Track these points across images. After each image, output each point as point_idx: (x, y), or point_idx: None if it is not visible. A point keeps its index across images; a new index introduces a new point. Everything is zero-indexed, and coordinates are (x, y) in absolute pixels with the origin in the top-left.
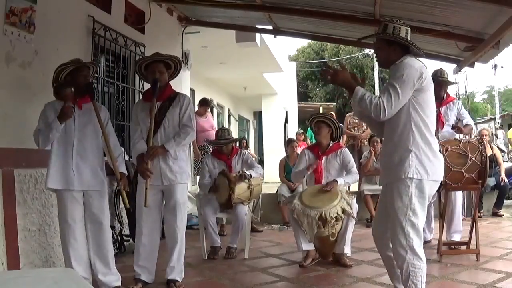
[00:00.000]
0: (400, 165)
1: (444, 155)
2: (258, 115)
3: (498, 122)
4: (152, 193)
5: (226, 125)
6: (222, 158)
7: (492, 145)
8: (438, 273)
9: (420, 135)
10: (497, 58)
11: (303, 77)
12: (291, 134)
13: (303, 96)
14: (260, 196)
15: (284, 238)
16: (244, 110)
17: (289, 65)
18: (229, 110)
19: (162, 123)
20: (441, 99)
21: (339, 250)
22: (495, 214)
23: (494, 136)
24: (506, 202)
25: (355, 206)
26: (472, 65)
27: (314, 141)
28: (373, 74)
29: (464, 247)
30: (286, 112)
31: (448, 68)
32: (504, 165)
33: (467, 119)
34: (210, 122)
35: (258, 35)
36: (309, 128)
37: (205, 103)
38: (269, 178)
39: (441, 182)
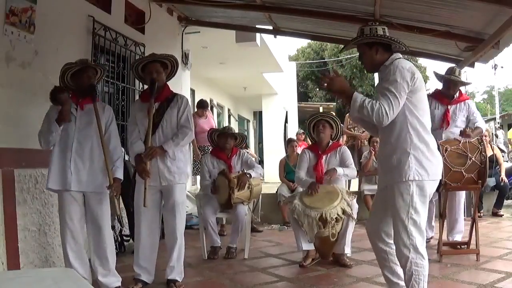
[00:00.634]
0: (400, 167)
1: (444, 155)
2: (258, 115)
3: (498, 122)
4: (150, 193)
5: (226, 125)
6: (222, 158)
7: (492, 145)
8: (438, 273)
9: (418, 136)
10: (497, 58)
11: (303, 77)
12: (291, 134)
13: (303, 96)
14: (260, 196)
15: (284, 238)
16: (244, 110)
17: (289, 65)
18: (229, 110)
19: (160, 124)
20: (451, 97)
21: (339, 250)
22: (495, 214)
23: (494, 136)
24: (506, 202)
25: (355, 206)
26: (472, 65)
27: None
28: (373, 74)
29: (464, 247)
30: (286, 112)
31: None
32: (504, 165)
33: (479, 122)
34: (210, 122)
35: (258, 35)
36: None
37: (202, 106)
38: (269, 178)
39: (440, 182)
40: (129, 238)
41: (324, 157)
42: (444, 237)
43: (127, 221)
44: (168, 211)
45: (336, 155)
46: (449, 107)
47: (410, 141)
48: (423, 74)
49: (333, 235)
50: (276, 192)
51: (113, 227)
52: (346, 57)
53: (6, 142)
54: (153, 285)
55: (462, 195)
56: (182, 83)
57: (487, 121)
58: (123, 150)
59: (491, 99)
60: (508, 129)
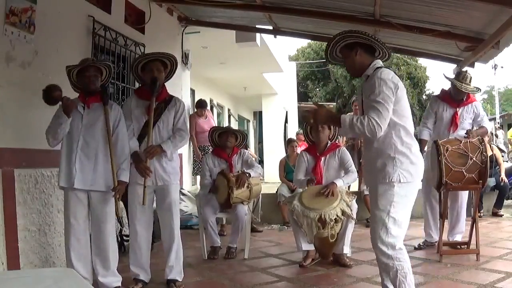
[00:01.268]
0: (383, 170)
1: (444, 155)
2: (258, 115)
3: (498, 122)
4: (147, 192)
5: (226, 125)
6: (223, 157)
7: (492, 145)
8: (438, 273)
9: (401, 141)
10: (497, 58)
11: (303, 77)
12: (291, 134)
13: (303, 96)
14: (260, 196)
15: (284, 238)
16: (244, 110)
17: (289, 65)
18: (229, 110)
19: (157, 124)
20: (460, 100)
21: (339, 250)
22: (495, 214)
23: (494, 136)
24: (506, 202)
25: (354, 207)
26: (472, 65)
27: None
28: None
29: (464, 247)
30: (286, 112)
31: (448, 68)
32: (504, 165)
33: (485, 122)
34: (211, 122)
35: (258, 35)
36: None
37: (201, 105)
38: (269, 178)
39: (441, 182)
40: (129, 238)
41: (322, 158)
42: (444, 237)
43: (127, 221)
44: (165, 211)
45: (335, 156)
46: (458, 109)
47: (394, 147)
48: (423, 74)
49: (332, 236)
50: (276, 192)
51: None
52: None
53: (6, 142)
54: (153, 285)
55: (464, 195)
56: (182, 83)
57: None
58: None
59: (491, 99)
60: (508, 129)
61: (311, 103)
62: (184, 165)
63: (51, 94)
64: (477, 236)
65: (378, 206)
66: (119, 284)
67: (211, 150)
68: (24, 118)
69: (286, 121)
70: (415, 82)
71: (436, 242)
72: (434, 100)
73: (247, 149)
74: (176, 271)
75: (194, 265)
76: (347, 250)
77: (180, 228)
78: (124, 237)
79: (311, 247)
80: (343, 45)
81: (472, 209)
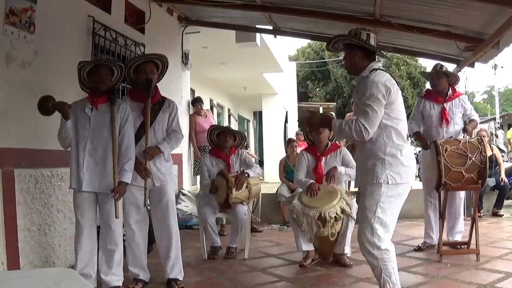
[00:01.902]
0: (373, 171)
1: (444, 155)
2: (258, 115)
3: (498, 122)
4: (140, 193)
5: (226, 125)
6: (221, 156)
7: (492, 145)
8: (438, 273)
9: (392, 143)
10: (497, 58)
11: (303, 77)
12: (291, 134)
13: (303, 96)
14: (260, 196)
15: (284, 238)
16: (244, 110)
17: (289, 65)
18: (229, 110)
19: (152, 126)
20: (445, 95)
21: (339, 250)
22: (495, 214)
23: (494, 136)
24: (506, 202)
25: (354, 206)
26: (472, 65)
27: None
28: None
29: (464, 247)
30: (286, 112)
31: (448, 68)
32: (504, 165)
33: (473, 115)
34: (211, 121)
35: (258, 35)
36: None
37: (195, 100)
38: (269, 178)
39: (440, 182)
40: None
41: (323, 159)
42: (444, 237)
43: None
44: (162, 210)
45: (337, 157)
46: (445, 104)
47: (384, 148)
48: (423, 74)
49: (333, 234)
50: (276, 192)
51: None
52: None
53: (6, 142)
54: (154, 285)
55: (461, 195)
56: (182, 83)
57: (487, 121)
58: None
59: (491, 99)
60: (508, 129)
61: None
62: (184, 165)
63: (45, 106)
64: (477, 236)
65: (365, 206)
66: (120, 283)
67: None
68: (24, 118)
69: (286, 121)
70: (415, 82)
71: (435, 244)
72: (419, 101)
73: (247, 149)
74: (177, 270)
75: (194, 265)
76: (347, 250)
77: (180, 228)
78: (124, 237)
79: (311, 248)
80: (344, 43)
81: (472, 209)
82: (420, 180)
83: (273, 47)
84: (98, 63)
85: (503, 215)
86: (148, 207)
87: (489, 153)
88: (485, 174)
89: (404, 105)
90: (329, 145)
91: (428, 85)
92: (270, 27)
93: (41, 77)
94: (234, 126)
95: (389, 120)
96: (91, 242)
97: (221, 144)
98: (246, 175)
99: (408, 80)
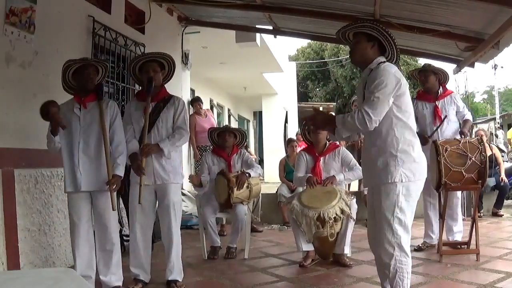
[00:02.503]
0: (386, 170)
1: (443, 155)
2: (258, 115)
3: (498, 122)
4: (146, 193)
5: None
6: (223, 155)
7: (491, 145)
8: (438, 273)
9: (404, 139)
10: (497, 58)
11: (303, 77)
12: (291, 134)
13: (303, 96)
14: (260, 196)
15: (284, 238)
16: (244, 110)
17: (289, 65)
18: (229, 110)
19: (156, 124)
20: (436, 93)
21: (339, 251)
22: (495, 214)
23: (494, 136)
24: (506, 202)
25: (354, 206)
26: (472, 65)
27: None
28: None
29: (464, 247)
30: (286, 112)
31: (448, 68)
32: (504, 165)
33: (466, 114)
34: (211, 121)
35: (258, 35)
36: None
37: (194, 100)
38: (269, 178)
39: (440, 182)
40: (129, 238)
41: (321, 159)
42: (444, 237)
43: (127, 221)
44: (164, 211)
45: (335, 157)
46: (436, 103)
47: (396, 144)
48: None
49: (332, 235)
50: (276, 192)
51: None
52: (346, 57)
53: (6, 142)
54: (154, 285)
55: (459, 194)
56: (182, 83)
57: (487, 121)
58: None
59: (491, 99)
60: (508, 129)
61: (311, 104)
62: (184, 165)
63: (48, 109)
64: (477, 236)
65: (382, 207)
66: (120, 283)
67: (211, 149)
68: (24, 118)
69: (286, 121)
70: (415, 82)
71: (435, 244)
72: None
73: (247, 149)
74: (176, 272)
75: (194, 265)
76: (347, 250)
77: (180, 228)
78: (124, 237)
79: (311, 248)
80: (363, 31)
81: (472, 209)
82: None
83: (273, 47)
84: (86, 63)
85: (503, 215)
86: (153, 206)
87: (488, 152)
88: (485, 174)
89: None
90: (327, 145)
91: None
92: (270, 27)
93: (41, 77)
94: (234, 126)
95: (400, 112)
96: (88, 243)
97: (222, 143)
98: (247, 175)
99: (408, 80)
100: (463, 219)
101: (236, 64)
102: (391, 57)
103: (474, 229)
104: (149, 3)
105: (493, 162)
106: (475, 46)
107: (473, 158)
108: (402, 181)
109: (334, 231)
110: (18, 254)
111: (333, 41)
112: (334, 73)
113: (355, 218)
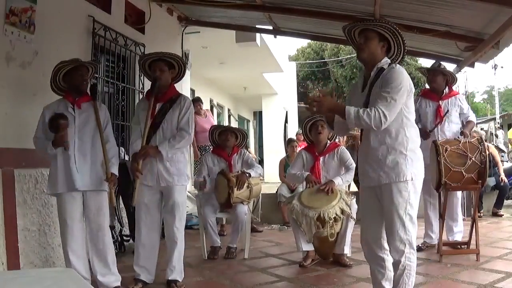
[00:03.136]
0: (397, 168)
1: (444, 155)
2: (258, 115)
3: (498, 122)
4: (151, 193)
5: (226, 124)
6: (223, 156)
7: (489, 144)
8: (438, 273)
9: (411, 139)
10: (497, 58)
11: (303, 77)
12: (291, 134)
13: (303, 96)
14: (260, 196)
15: (284, 238)
16: (244, 110)
17: (289, 65)
18: (229, 110)
19: (161, 125)
20: (441, 93)
21: (339, 250)
22: (495, 214)
23: (494, 136)
24: (506, 202)
25: (354, 206)
26: (472, 65)
27: None
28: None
29: (464, 247)
30: (286, 112)
31: (448, 68)
32: (504, 165)
33: (470, 116)
34: (211, 121)
35: (258, 35)
36: None
37: (194, 101)
38: (269, 178)
39: (441, 182)
40: (129, 238)
41: (321, 158)
42: (444, 237)
43: (127, 221)
44: (168, 212)
45: (334, 156)
46: (440, 102)
47: (406, 144)
48: (420, 70)
49: (332, 235)
50: (276, 192)
51: (113, 227)
52: (346, 57)
53: (6, 142)
54: (154, 285)
55: (458, 194)
56: (182, 83)
57: (487, 121)
58: (123, 150)
59: (491, 99)
60: (508, 129)
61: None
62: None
63: (58, 121)
64: (477, 236)
65: (394, 204)
66: (119, 283)
67: (211, 149)
68: (24, 118)
69: (286, 121)
70: (415, 82)
71: (435, 244)
72: (415, 99)
73: (247, 149)
74: (177, 272)
75: (194, 265)
76: (347, 250)
77: None
78: (124, 237)
79: (311, 248)
80: (376, 30)
81: (472, 209)
82: None
83: (273, 47)
84: (78, 64)
85: (503, 215)
86: (158, 208)
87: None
88: (485, 174)
89: None
90: (328, 144)
91: (426, 85)
92: (270, 27)
93: (41, 77)
94: (234, 126)
95: (409, 113)
96: (82, 244)
97: (222, 143)
98: (247, 174)
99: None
100: (463, 219)
101: (236, 64)
102: (395, 58)
103: (474, 229)
104: (149, 3)
105: (491, 162)
106: (475, 46)
107: (473, 158)
108: (412, 179)
109: (334, 231)
110: (18, 254)
111: (333, 41)
112: (334, 73)
113: (355, 218)
